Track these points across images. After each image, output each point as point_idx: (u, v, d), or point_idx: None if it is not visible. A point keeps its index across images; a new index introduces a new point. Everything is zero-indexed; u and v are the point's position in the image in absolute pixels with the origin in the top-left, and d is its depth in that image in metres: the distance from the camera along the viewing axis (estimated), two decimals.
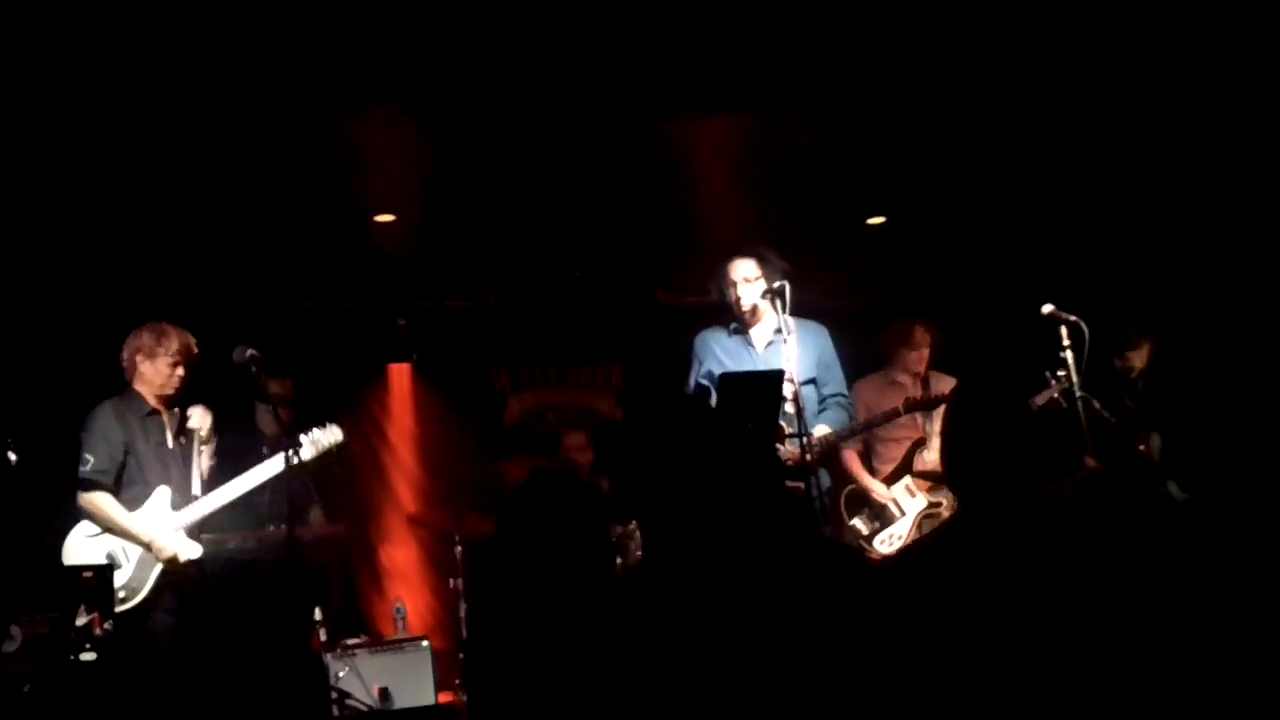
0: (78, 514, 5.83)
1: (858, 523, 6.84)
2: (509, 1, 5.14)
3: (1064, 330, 6.08)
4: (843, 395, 6.27)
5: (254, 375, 5.66)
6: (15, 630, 5.50)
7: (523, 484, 3.35)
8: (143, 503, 5.86)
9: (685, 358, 6.41)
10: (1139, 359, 7.10)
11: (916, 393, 6.81)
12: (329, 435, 6.22)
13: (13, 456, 5.42)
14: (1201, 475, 6.72)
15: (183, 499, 5.94)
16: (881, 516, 6.82)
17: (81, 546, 5.79)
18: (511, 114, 6.00)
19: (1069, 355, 6.06)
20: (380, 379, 9.19)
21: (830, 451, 6.31)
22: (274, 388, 6.70)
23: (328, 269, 8.39)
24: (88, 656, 5.22)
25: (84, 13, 4.89)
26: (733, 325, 6.22)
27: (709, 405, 5.43)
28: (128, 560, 5.77)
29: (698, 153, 6.90)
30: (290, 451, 5.77)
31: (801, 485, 5.64)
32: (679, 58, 5.54)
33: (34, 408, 6.55)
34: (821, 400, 6.14)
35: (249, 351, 5.62)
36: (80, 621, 5.24)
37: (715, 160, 7.07)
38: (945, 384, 6.84)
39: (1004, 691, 2.92)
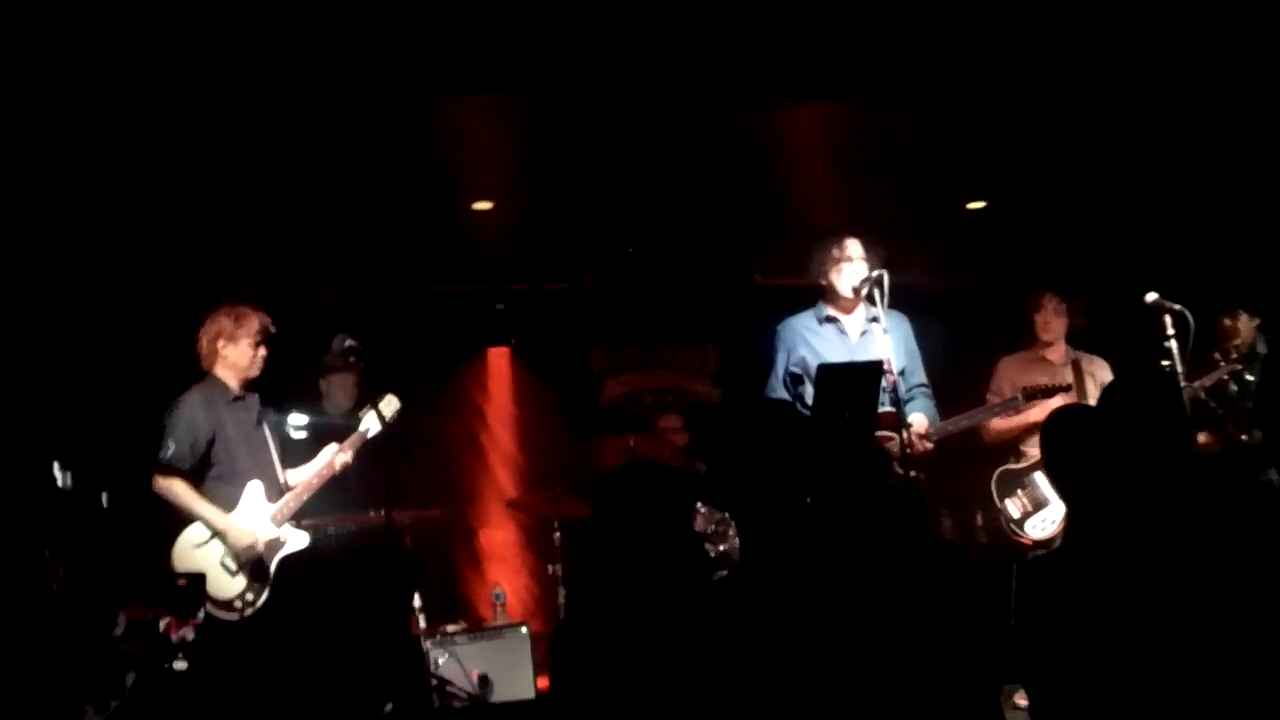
0: (157, 504, 5.74)
1: (1010, 505, 6.60)
2: None
3: (1168, 319, 5.98)
4: (926, 385, 6.21)
5: (352, 365, 5.62)
6: (120, 615, 5.57)
7: (613, 474, 3.33)
8: (236, 492, 5.79)
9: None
10: (1244, 342, 6.91)
11: (1064, 372, 6.72)
12: (389, 405, 6.09)
13: (60, 476, 5.40)
14: None
15: (274, 490, 5.91)
16: (1037, 500, 6.54)
17: (191, 557, 5.66)
18: (608, 99, 5.96)
19: (1173, 344, 5.96)
20: (478, 362, 9.23)
21: (947, 440, 6.22)
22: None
23: (425, 252, 8.42)
24: (180, 665, 5.27)
25: None
26: (825, 314, 6.13)
27: (796, 409, 5.39)
28: (239, 567, 5.70)
29: (796, 136, 6.82)
30: (361, 430, 5.95)
31: (922, 475, 5.60)
32: (775, 44, 5.46)
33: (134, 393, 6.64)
34: (909, 390, 6.05)
35: (348, 341, 5.58)
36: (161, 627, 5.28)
37: (814, 143, 6.99)
38: (1096, 367, 6.78)
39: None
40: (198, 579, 5.52)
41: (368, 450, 6.13)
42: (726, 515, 6.61)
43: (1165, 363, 6.02)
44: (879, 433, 5.73)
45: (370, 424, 6.06)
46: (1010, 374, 6.84)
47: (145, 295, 7.50)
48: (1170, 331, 5.99)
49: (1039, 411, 6.21)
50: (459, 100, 5.90)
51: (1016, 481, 6.64)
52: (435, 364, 8.69)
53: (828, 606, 3.07)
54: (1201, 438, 6.49)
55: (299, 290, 7.93)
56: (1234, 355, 6.76)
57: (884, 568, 3.31)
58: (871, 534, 3.99)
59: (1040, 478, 6.52)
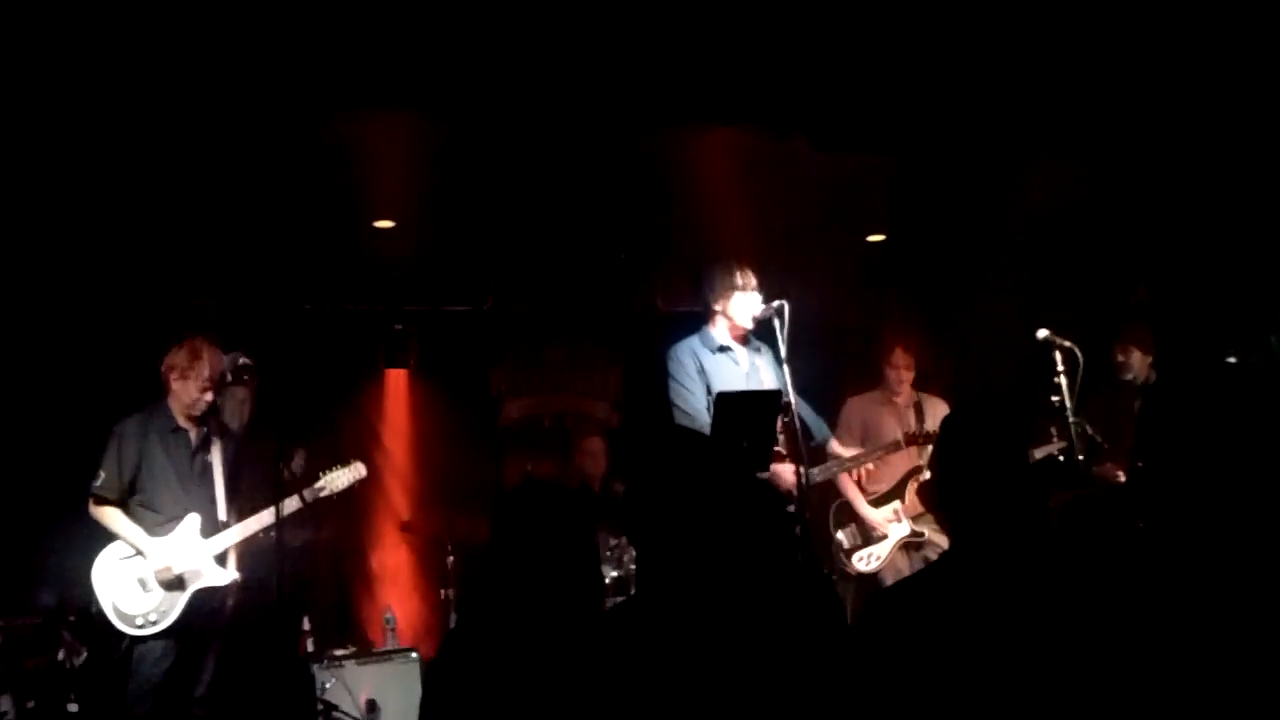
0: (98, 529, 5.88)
1: (842, 536, 6.90)
2: (513, 7, 5.09)
3: (1058, 355, 6.12)
4: None
5: (246, 384, 5.63)
6: None
7: (513, 490, 3.31)
8: (158, 518, 5.89)
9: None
10: (1138, 376, 7.03)
11: (909, 414, 6.92)
12: (353, 472, 6.34)
13: None
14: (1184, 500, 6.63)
15: (211, 525, 5.96)
16: (866, 535, 6.88)
17: (112, 568, 5.81)
18: (513, 119, 5.95)
19: (1063, 380, 6.11)
20: (376, 383, 9.13)
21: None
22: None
23: (326, 271, 8.31)
24: (72, 708, 5.49)
25: (87, 10, 4.85)
26: (718, 344, 6.06)
27: (704, 436, 5.38)
28: (155, 586, 5.79)
29: (701, 161, 6.82)
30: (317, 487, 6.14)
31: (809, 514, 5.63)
32: (685, 70, 5.48)
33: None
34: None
35: (242, 359, 5.59)
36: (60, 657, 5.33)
37: (719, 170, 7.00)
38: (938, 408, 6.85)
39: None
40: (86, 612, 5.73)
41: (260, 470, 6.08)
42: (624, 540, 6.59)
43: (1055, 398, 6.14)
44: (778, 465, 5.75)
45: (333, 484, 6.23)
46: (860, 414, 7.04)
47: (37, 304, 7.41)
48: (1060, 367, 6.13)
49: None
50: (363, 116, 5.85)
51: (851, 514, 6.92)
52: (332, 383, 8.57)
53: (712, 640, 3.05)
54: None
55: (200, 301, 7.82)
56: (1127, 384, 6.85)
57: (765, 601, 3.29)
58: (758, 567, 3.96)
59: (875, 517, 6.87)
